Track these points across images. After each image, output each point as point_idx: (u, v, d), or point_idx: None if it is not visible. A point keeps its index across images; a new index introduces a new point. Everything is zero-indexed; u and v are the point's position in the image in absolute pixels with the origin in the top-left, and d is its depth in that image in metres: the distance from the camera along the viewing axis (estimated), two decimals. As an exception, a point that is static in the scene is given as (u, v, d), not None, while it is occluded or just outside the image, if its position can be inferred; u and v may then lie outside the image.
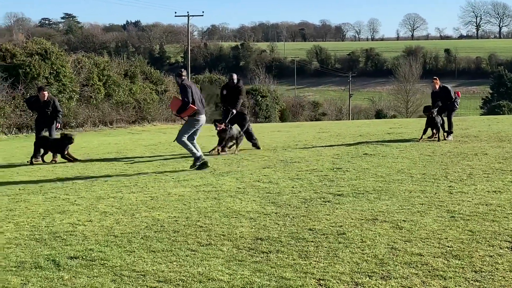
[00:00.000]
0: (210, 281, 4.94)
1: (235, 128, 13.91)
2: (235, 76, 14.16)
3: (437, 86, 15.04)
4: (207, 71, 57.18)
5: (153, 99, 36.72)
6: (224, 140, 13.58)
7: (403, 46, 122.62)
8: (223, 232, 6.45)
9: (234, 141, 13.87)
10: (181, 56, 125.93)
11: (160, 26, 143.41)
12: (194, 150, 11.10)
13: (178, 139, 11.19)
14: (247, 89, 51.36)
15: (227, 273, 5.10)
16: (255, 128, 16.77)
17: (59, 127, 14.01)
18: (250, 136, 14.26)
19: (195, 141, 11.39)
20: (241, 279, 4.95)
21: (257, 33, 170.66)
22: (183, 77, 11.20)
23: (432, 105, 15.02)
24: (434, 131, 14.77)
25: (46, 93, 14.02)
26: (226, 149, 13.74)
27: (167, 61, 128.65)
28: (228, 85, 14.21)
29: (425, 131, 14.84)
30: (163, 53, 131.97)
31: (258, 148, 14.21)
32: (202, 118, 11.32)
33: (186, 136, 11.18)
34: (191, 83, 11.39)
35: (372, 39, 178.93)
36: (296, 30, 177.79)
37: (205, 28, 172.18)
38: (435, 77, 15.65)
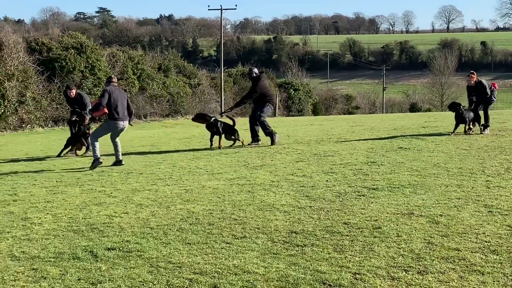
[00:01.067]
0: (246, 273, 4.96)
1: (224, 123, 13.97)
2: (253, 70, 14.16)
3: (473, 81, 14.76)
4: (239, 64, 57.16)
5: (186, 93, 36.98)
6: (214, 134, 13.68)
7: (438, 38, 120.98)
8: (258, 225, 6.47)
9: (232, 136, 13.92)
10: (214, 50, 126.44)
11: (193, 20, 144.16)
12: (97, 152, 11.43)
13: (91, 137, 11.87)
14: (280, 82, 51.36)
15: (262, 266, 5.12)
16: (288, 121, 16.76)
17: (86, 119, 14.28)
18: (263, 128, 13.77)
19: (117, 140, 11.83)
20: (276, 272, 4.96)
21: (289, 26, 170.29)
22: (111, 83, 11.81)
23: (469, 100, 14.81)
24: (469, 125, 14.49)
25: (73, 91, 14.50)
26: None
27: (200, 54, 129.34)
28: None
29: (456, 127, 14.53)
30: (196, 47, 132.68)
31: (258, 142, 13.88)
32: (121, 123, 11.69)
33: (99, 137, 11.79)
34: (115, 90, 11.70)
35: (407, 32, 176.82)
36: (329, 23, 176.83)
37: (238, 21, 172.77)
38: (472, 72, 15.32)
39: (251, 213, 7.03)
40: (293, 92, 49.16)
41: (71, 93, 14.39)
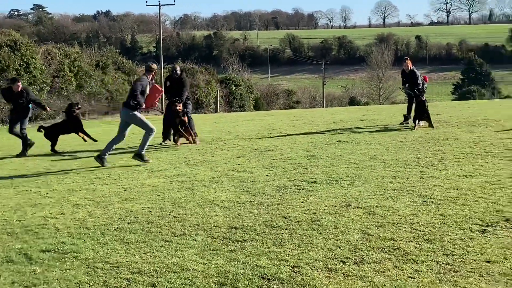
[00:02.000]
0: (184, 271, 4.93)
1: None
2: (178, 68, 14.03)
3: (409, 67, 15.13)
4: (180, 60, 56.74)
5: (126, 90, 36.41)
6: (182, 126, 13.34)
7: (375, 33, 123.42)
8: (197, 222, 6.44)
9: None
10: (153, 46, 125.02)
11: (132, 16, 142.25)
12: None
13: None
14: (221, 78, 51.31)
15: (201, 263, 5.10)
16: (229, 117, 16.75)
17: (49, 110, 15.12)
18: (192, 128, 13.69)
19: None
20: (215, 268, 4.95)
21: (230, 22, 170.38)
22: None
23: (402, 85, 15.23)
24: (411, 118, 14.75)
25: (20, 84, 13.87)
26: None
27: (140, 51, 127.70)
28: (171, 76, 13.99)
29: (418, 118, 14.51)
30: (135, 43, 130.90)
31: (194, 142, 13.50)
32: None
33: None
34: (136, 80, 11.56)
35: (345, 27, 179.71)
36: (269, 18, 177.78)
37: (177, 17, 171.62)
38: (406, 57, 15.82)
39: (191, 210, 6.99)
40: (234, 87, 49.20)
41: (18, 86, 13.77)
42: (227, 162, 10.43)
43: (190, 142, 13.30)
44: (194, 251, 5.44)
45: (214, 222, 6.40)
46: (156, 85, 11.50)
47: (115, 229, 6.28)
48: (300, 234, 5.79)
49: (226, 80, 49.98)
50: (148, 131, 11.00)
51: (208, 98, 44.26)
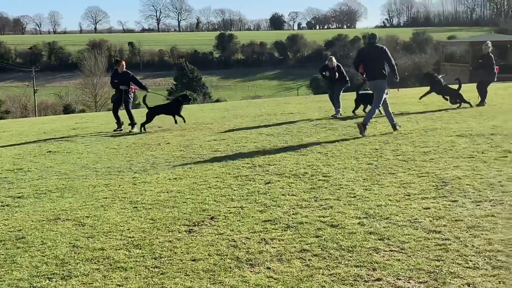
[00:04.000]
0: None
1: None
2: None
3: (123, 67, 15.31)
4: None
5: None
6: None
7: (87, 39, 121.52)
8: None
9: None
10: None
11: None
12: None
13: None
14: None
15: None
16: None
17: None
18: None
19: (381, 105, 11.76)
20: None
21: None
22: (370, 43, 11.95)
23: (113, 85, 15.49)
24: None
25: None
26: None
27: None
28: None
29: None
30: None
31: None
32: (369, 83, 11.99)
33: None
34: (370, 48, 11.87)
35: (55, 32, 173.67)
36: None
37: None
38: (118, 58, 16.08)
39: None
40: None
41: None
42: None
43: None
44: None
45: None
46: None
47: None
48: (3, 254, 5.39)
49: None
50: (377, 103, 11.62)
51: None
